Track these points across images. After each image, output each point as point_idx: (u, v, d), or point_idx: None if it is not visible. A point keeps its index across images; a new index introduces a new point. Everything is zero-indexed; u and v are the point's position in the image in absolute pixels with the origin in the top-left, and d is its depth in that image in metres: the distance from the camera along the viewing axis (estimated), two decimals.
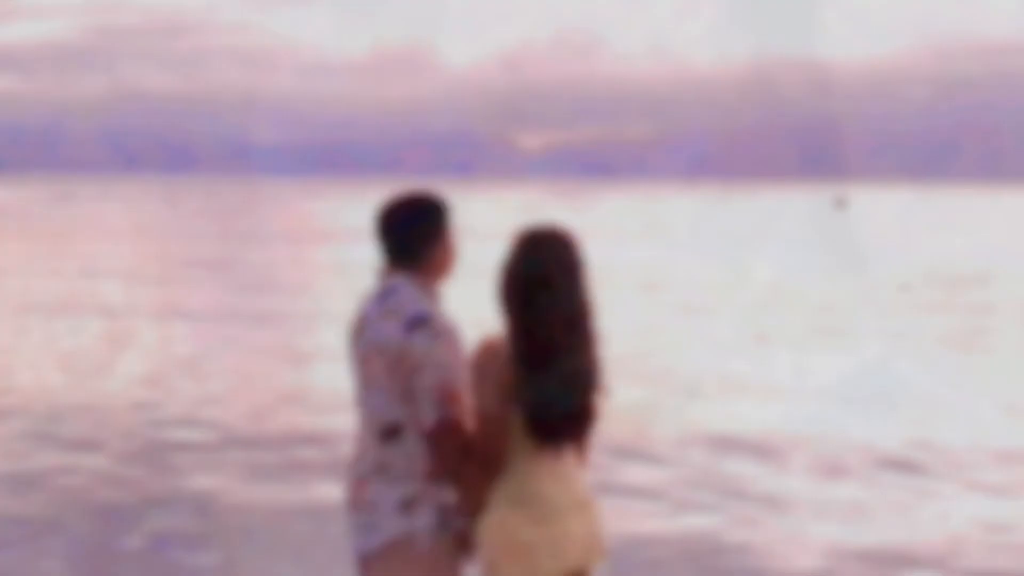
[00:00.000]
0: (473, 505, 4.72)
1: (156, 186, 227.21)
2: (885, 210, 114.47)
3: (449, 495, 4.77)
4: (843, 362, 18.55)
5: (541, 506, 4.68)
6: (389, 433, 4.74)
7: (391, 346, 4.67)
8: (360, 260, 38.00)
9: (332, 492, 10.21)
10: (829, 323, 23.68)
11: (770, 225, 74.05)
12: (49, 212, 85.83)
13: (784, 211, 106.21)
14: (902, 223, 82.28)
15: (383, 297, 4.78)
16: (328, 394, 14.94)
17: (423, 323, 4.64)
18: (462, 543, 4.80)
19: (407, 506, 4.74)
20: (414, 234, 4.79)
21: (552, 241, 4.64)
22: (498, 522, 4.65)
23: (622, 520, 9.73)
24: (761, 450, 12.55)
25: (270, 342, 20.18)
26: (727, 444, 12.79)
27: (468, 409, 4.70)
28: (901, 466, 12.00)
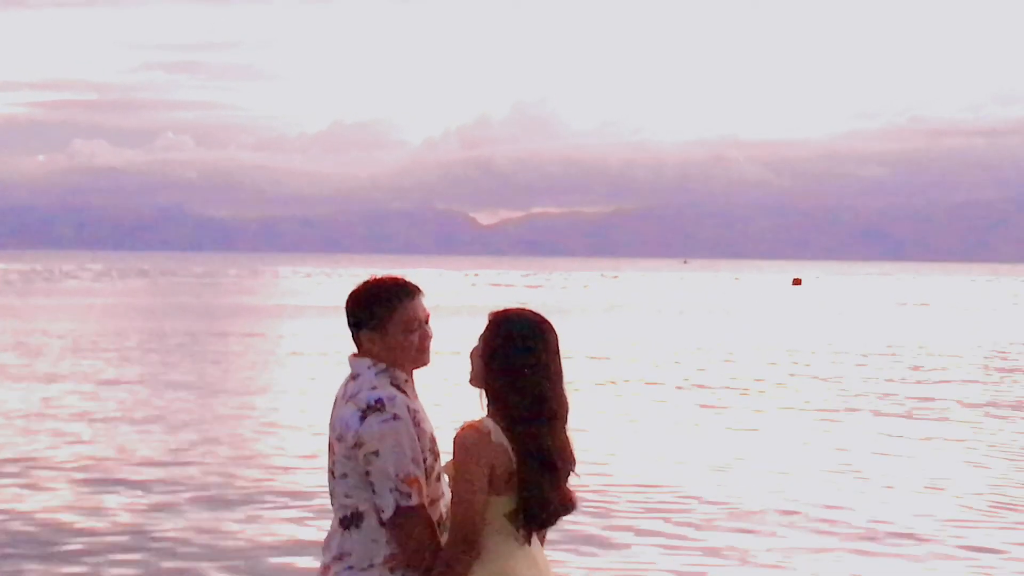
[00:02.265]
0: None
1: (110, 261, 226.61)
2: (836, 289, 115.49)
3: None
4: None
5: None
6: (349, 520, 4.71)
7: (348, 433, 4.64)
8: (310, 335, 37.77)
9: None
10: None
11: (725, 300, 74.46)
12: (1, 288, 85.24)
13: (740, 287, 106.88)
14: (849, 302, 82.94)
15: (348, 383, 4.79)
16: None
17: (377, 408, 4.62)
18: None
19: None
20: (360, 321, 4.79)
21: (533, 325, 4.73)
22: None
23: None
24: None
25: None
26: None
27: (429, 493, 4.68)
28: None
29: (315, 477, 14.18)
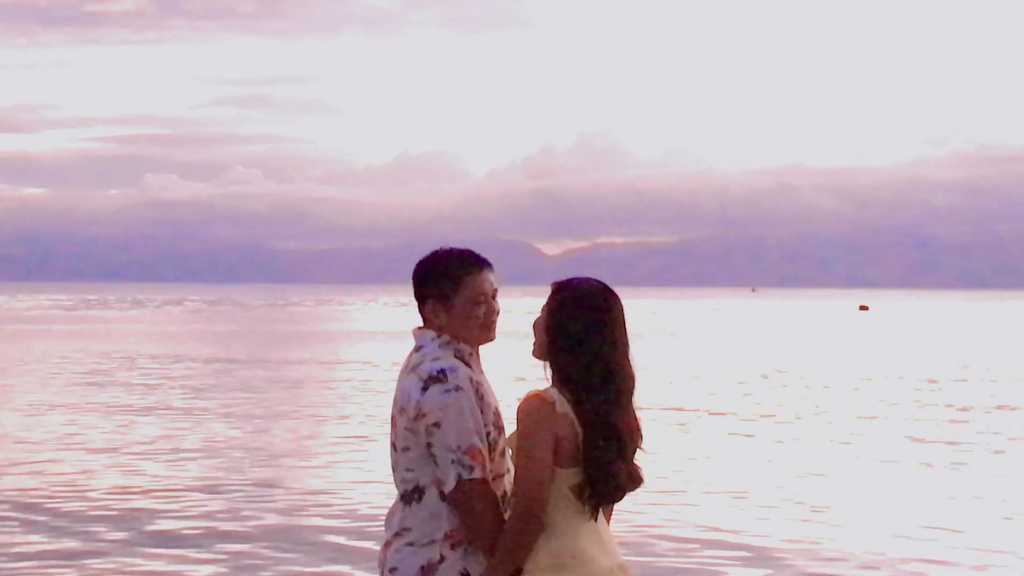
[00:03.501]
0: (508, 570, 4.54)
1: (181, 293, 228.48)
2: (904, 316, 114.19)
3: (471, 561, 4.61)
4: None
5: (584, 570, 4.54)
6: (410, 495, 4.63)
7: (410, 405, 4.57)
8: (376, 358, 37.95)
9: None
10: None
11: (796, 326, 74.08)
12: (72, 317, 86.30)
13: (807, 313, 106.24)
14: (918, 328, 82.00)
15: (411, 355, 4.72)
16: None
17: (439, 379, 4.54)
18: None
19: (427, 572, 4.59)
20: (426, 291, 4.73)
21: (599, 294, 4.61)
22: None
23: None
24: None
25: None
26: None
27: (493, 468, 4.60)
28: None
29: None
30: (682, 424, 22.87)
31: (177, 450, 18.83)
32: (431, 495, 4.59)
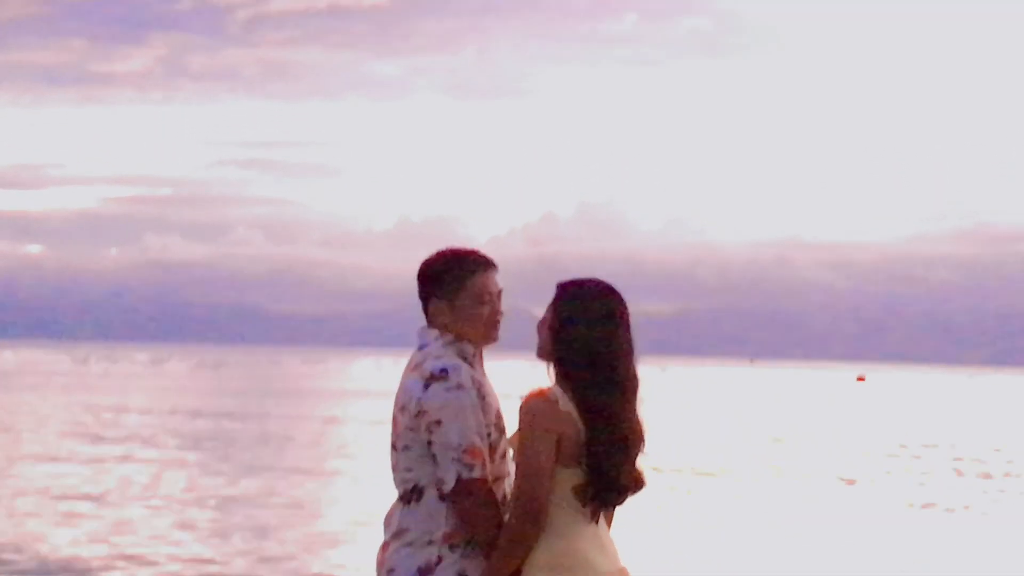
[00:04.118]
0: (507, 570, 4.44)
1: (178, 353, 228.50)
2: (901, 388, 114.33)
3: (470, 562, 4.53)
4: None
5: (583, 573, 4.44)
6: (409, 494, 4.57)
7: (411, 402, 4.52)
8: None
9: None
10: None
11: (793, 396, 74.08)
12: (67, 372, 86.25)
13: (806, 384, 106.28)
14: (914, 401, 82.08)
15: (415, 353, 4.68)
16: None
17: (441, 377, 4.49)
18: None
19: (425, 573, 4.51)
20: (431, 289, 4.69)
21: (604, 294, 4.55)
22: None
23: None
24: None
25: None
26: None
27: (493, 470, 4.53)
28: None
29: None
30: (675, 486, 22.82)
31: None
32: (430, 495, 4.52)
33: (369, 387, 71.83)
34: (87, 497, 18.78)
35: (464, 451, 4.43)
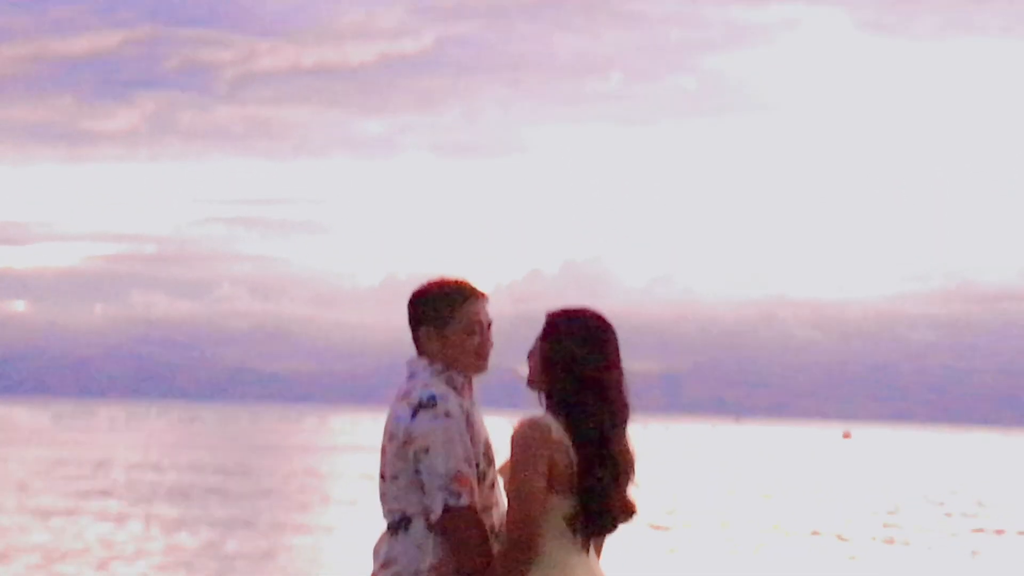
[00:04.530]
0: None
1: (163, 410, 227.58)
2: (887, 445, 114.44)
3: None
4: None
5: None
6: (397, 524, 4.51)
7: (399, 431, 4.48)
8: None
9: None
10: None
11: (780, 454, 74.11)
12: (48, 430, 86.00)
13: (792, 442, 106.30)
14: (898, 458, 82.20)
15: (404, 382, 4.65)
16: None
17: (429, 405, 4.45)
18: None
19: None
20: (421, 318, 4.67)
21: (594, 322, 4.54)
22: None
23: None
24: None
25: None
26: None
27: (481, 499, 4.47)
28: None
29: None
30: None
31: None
32: (418, 525, 4.47)
33: (355, 442, 71.77)
34: (69, 554, 18.84)
35: (452, 479, 4.39)
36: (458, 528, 4.37)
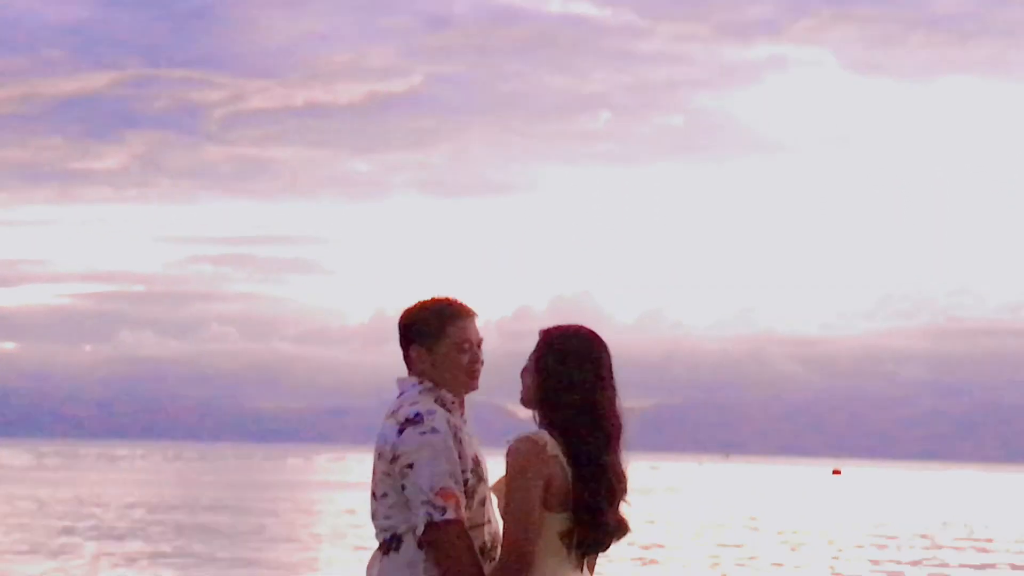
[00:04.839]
0: None
1: (151, 450, 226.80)
2: (877, 482, 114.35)
3: None
4: None
5: None
6: (389, 544, 4.47)
7: (386, 448, 4.46)
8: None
9: None
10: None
11: (772, 488, 74.03)
12: (35, 472, 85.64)
13: (782, 478, 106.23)
14: (885, 494, 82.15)
15: (394, 400, 4.64)
16: None
17: (416, 422, 4.44)
18: None
19: None
20: (411, 337, 4.66)
21: (588, 340, 4.54)
22: None
23: None
24: None
25: None
26: None
27: (471, 517, 4.45)
28: None
29: None
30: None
31: None
32: (408, 543, 4.43)
33: (342, 479, 71.55)
34: None
35: (436, 494, 4.35)
36: (443, 543, 4.33)
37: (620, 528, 4.46)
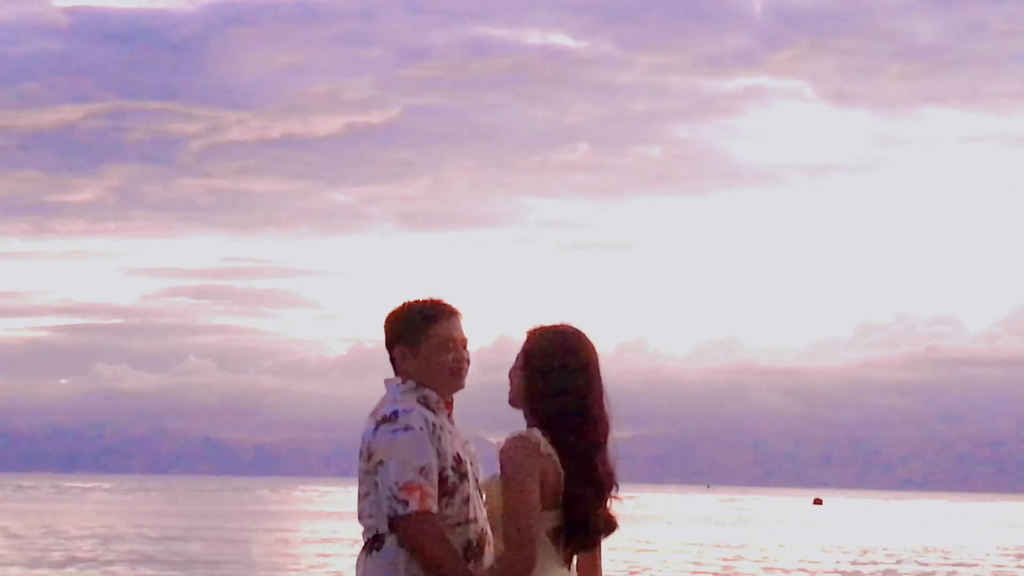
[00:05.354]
0: None
1: (130, 483, 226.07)
2: (858, 512, 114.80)
3: None
4: None
5: None
6: (372, 543, 4.51)
7: (364, 447, 4.52)
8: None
9: None
10: None
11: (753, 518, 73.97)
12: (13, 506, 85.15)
13: (763, 509, 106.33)
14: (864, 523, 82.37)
15: (379, 401, 4.69)
16: None
17: (391, 420, 4.48)
18: None
19: None
20: (395, 337, 4.68)
21: (574, 339, 4.56)
22: None
23: None
24: None
25: None
26: None
27: (454, 514, 4.47)
28: None
29: None
30: None
31: None
32: (390, 542, 4.45)
33: (321, 509, 71.25)
34: None
35: (400, 488, 4.38)
36: (409, 536, 4.37)
37: (609, 525, 4.52)
